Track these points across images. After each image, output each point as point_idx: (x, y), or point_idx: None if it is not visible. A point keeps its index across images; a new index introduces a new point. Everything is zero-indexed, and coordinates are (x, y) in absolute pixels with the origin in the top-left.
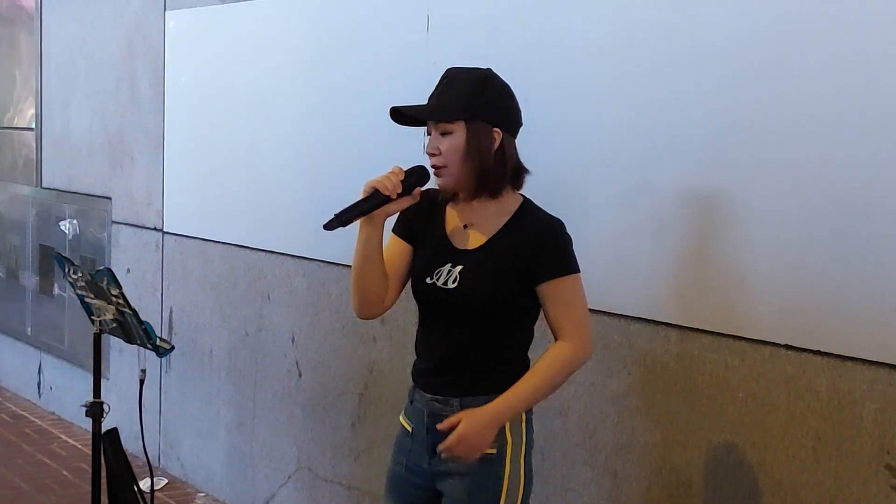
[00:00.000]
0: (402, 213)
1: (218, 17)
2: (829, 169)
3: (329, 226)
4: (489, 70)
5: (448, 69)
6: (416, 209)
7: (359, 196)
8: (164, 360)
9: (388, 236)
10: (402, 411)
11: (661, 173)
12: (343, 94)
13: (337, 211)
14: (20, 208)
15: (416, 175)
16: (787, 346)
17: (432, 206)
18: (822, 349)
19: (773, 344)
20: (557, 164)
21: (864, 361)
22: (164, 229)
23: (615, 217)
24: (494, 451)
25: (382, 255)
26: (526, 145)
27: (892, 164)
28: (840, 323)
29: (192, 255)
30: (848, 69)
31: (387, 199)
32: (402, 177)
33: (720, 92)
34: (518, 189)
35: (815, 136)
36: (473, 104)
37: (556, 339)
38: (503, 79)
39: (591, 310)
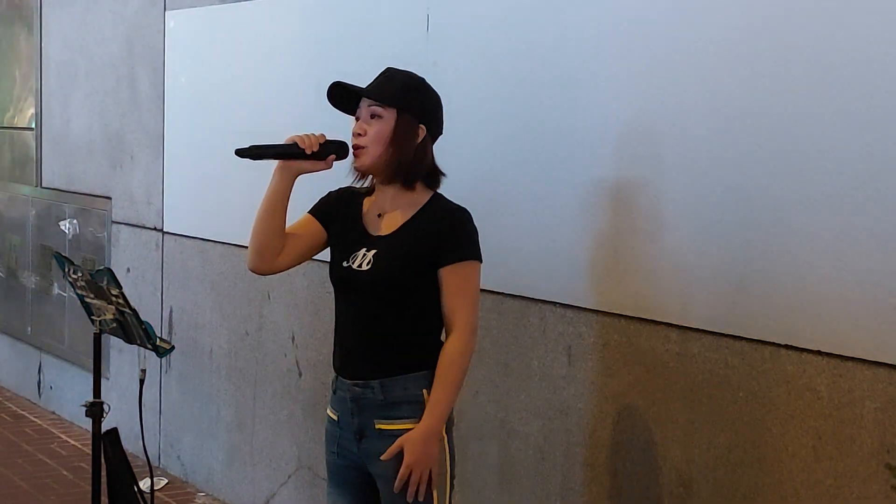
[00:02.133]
0: (321, 199)
1: (218, 17)
2: (829, 167)
3: (240, 152)
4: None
5: (387, 68)
6: (335, 200)
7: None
8: (164, 359)
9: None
10: (328, 403)
11: (660, 173)
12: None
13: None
14: (20, 208)
15: (335, 145)
16: (787, 346)
17: (351, 199)
18: (823, 349)
19: (773, 344)
20: (557, 163)
21: (864, 361)
22: (164, 229)
23: (615, 217)
24: (416, 424)
25: (285, 210)
26: (524, 143)
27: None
28: (840, 323)
29: (192, 255)
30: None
31: (300, 153)
32: (321, 140)
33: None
34: (433, 189)
35: (821, 129)
36: (408, 97)
37: (448, 326)
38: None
39: (591, 310)
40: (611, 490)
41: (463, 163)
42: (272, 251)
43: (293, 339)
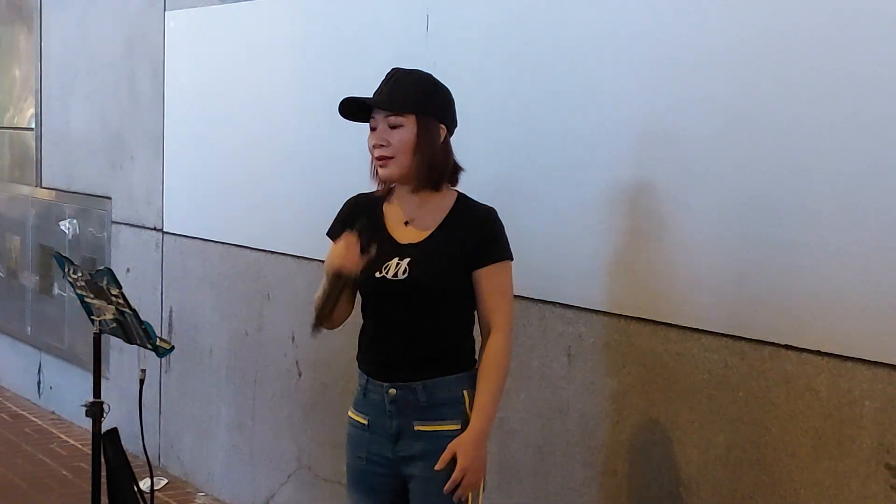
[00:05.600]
0: (340, 217)
1: (218, 17)
2: (829, 167)
3: (315, 332)
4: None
5: (393, 69)
6: (352, 212)
7: (322, 277)
8: (164, 359)
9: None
10: (352, 406)
11: (661, 174)
12: (343, 94)
13: (314, 319)
14: (20, 208)
15: (364, 231)
16: (787, 346)
17: (368, 207)
18: (822, 349)
19: (773, 344)
20: (557, 162)
21: (864, 361)
22: (164, 229)
23: (615, 217)
24: (458, 426)
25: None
26: (524, 144)
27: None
28: (840, 323)
29: (191, 255)
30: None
31: (351, 276)
32: (356, 244)
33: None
34: (454, 185)
35: (821, 131)
36: (425, 100)
37: (485, 327)
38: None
39: (591, 310)
40: (610, 490)
41: (461, 163)
42: (345, 317)
43: (293, 339)
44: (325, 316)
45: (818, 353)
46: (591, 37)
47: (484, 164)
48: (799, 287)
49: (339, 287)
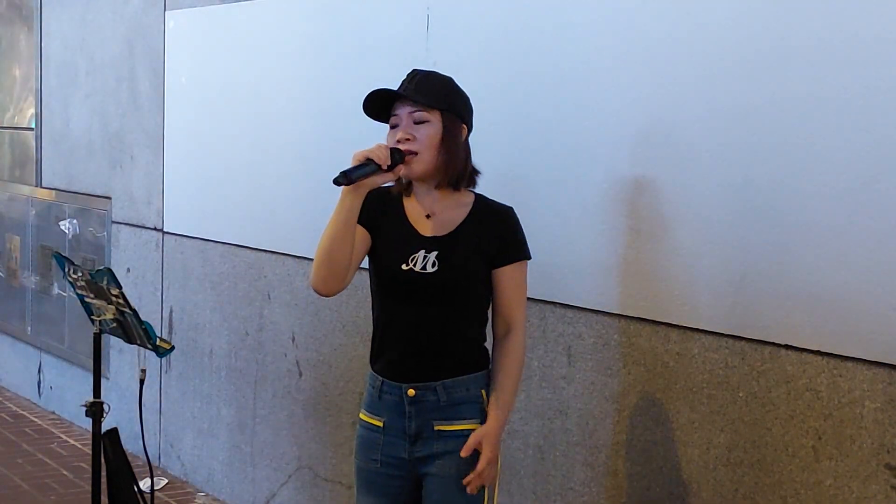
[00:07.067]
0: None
1: (218, 17)
2: (830, 167)
3: (338, 181)
4: None
5: (413, 69)
6: (372, 200)
7: (349, 165)
8: (164, 359)
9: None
10: (364, 409)
11: (660, 174)
12: (343, 94)
13: (344, 169)
14: (20, 208)
15: (397, 153)
16: (787, 346)
17: (387, 200)
18: (823, 349)
19: (773, 344)
20: (557, 162)
21: (864, 361)
22: (164, 229)
23: (615, 217)
24: (478, 426)
25: (355, 227)
26: (524, 143)
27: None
28: (840, 323)
29: (192, 255)
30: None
31: (378, 168)
32: (388, 152)
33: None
34: (472, 187)
35: (822, 130)
36: (450, 98)
37: (503, 324)
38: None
39: (591, 310)
40: (611, 490)
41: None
42: (345, 270)
43: (293, 339)
44: (338, 238)
45: (818, 353)
46: (593, 36)
47: (484, 163)
48: (799, 287)
49: (371, 169)
